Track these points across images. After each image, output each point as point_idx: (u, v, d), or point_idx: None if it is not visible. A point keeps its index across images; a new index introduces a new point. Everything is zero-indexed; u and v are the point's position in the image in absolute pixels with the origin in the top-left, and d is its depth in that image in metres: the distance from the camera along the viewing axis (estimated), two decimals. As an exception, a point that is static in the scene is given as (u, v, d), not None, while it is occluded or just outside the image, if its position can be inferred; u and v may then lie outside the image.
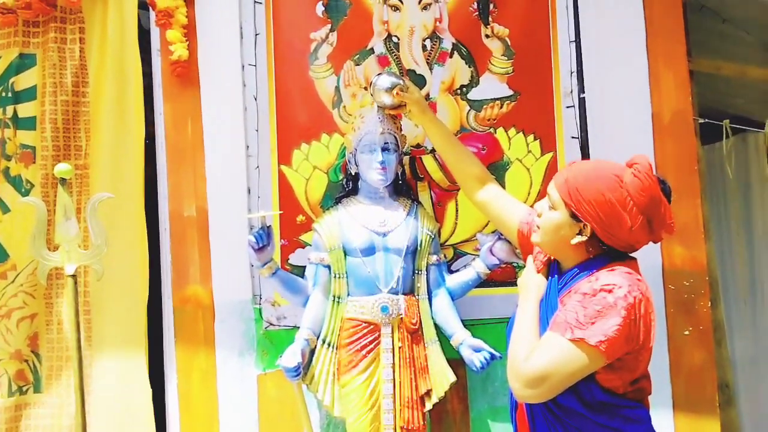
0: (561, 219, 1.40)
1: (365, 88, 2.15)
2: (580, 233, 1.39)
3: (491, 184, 1.85)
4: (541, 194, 2.17)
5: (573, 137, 2.19)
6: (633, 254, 1.43)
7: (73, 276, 1.78)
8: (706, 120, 2.46)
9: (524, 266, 2.11)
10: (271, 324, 2.15)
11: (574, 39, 2.19)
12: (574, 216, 1.38)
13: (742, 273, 3.18)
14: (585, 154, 2.18)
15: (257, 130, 2.17)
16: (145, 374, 2.14)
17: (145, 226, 2.18)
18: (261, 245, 1.88)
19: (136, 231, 2.16)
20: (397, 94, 1.88)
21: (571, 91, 2.19)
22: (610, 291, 1.30)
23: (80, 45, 2.24)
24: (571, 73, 2.19)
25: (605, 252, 1.40)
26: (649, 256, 1.48)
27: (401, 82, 1.92)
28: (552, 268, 1.49)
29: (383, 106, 1.93)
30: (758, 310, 3.36)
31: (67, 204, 1.79)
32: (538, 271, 1.51)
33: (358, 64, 2.18)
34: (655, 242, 1.41)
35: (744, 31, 2.66)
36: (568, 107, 2.20)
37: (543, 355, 1.31)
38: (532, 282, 1.48)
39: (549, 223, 1.43)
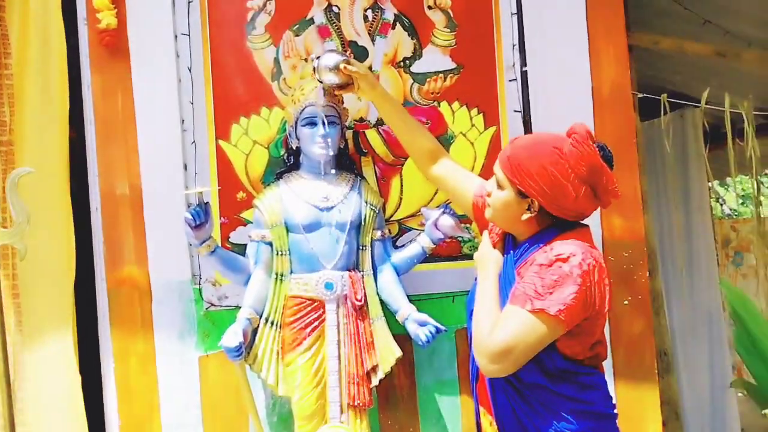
0: (509, 197, 1.43)
1: (305, 60, 2.08)
2: (528, 209, 1.41)
3: (444, 158, 1.80)
4: (485, 168, 2.17)
5: (516, 111, 2.20)
6: (585, 222, 1.46)
7: (-6, 256, 1.68)
8: (645, 95, 2.51)
9: (470, 240, 2.16)
10: (212, 304, 2.09)
11: (515, 12, 2.19)
12: (520, 193, 1.40)
13: (679, 244, 3.29)
14: (527, 127, 2.19)
15: (192, 103, 2.08)
16: (73, 360, 2.05)
17: (70, 204, 2.07)
18: (198, 223, 1.82)
19: (61, 209, 2.05)
20: (344, 68, 1.81)
21: (513, 65, 2.19)
22: (565, 260, 1.34)
23: (0, 14, 2.10)
24: (513, 46, 2.19)
25: (556, 223, 1.43)
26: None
27: (345, 57, 1.86)
28: (507, 241, 1.51)
29: (331, 85, 1.86)
30: (695, 280, 3.50)
31: (-15, 182, 1.69)
32: (494, 245, 1.53)
33: (297, 35, 2.11)
34: (603, 207, 1.45)
35: (681, 5, 2.71)
36: (510, 80, 2.20)
37: (505, 329, 1.32)
38: (489, 257, 1.50)
39: (498, 202, 1.45)
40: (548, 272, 1.33)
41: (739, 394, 3.47)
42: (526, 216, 1.42)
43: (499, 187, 1.44)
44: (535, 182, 1.37)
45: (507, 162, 1.41)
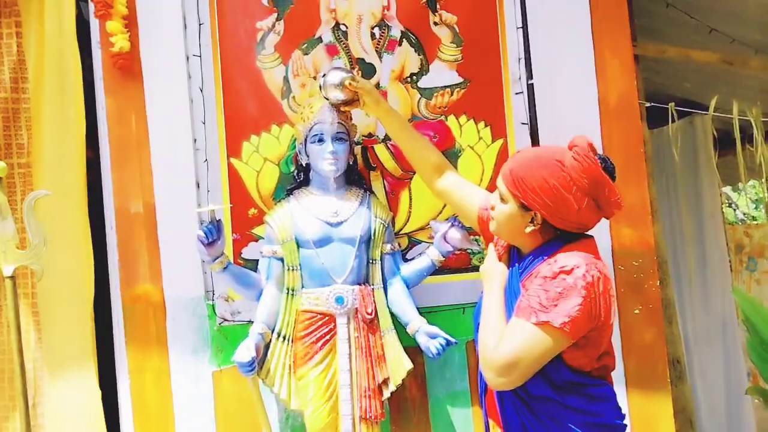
0: (512, 210, 1.43)
1: (314, 78, 2.12)
2: (532, 222, 1.42)
3: (450, 171, 1.82)
4: (493, 180, 2.16)
5: (523, 123, 2.21)
6: (590, 233, 1.46)
7: (12, 277, 1.71)
8: (652, 104, 2.51)
9: (479, 252, 2.17)
10: (226, 320, 2.12)
11: (521, 25, 2.21)
12: (523, 206, 1.41)
13: (691, 251, 3.27)
14: (534, 139, 2.20)
15: (204, 123, 2.12)
16: (94, 376, 2.10)
17: (88, 224, 2.13)
18: (211, 240, 1.85)
19: (79, 229, 2.11)
20: (349, 84, 1.85)
21: (520, 78, 2.21)
22: (569, 272, 1.33)
23: (17, 39, 2.18)
24: (519, 59, 2.21)
25: (559, 235, 1.43)
26: (598, 237, 1.51)
27: (350, 74, 1.90)
28: (512, 254, 1.52)
29: (337, 102, 1.90)
30: (708, 287, 3.47)
31: (1, 203, 1.73)
32: (500, 258, 1.53)
33: (306, 54, 2.15)
34: (607, 218, 1.45)
35: (687, 14, 2.72)
36: (517, 93, 2.21)
37: (511, 342, 1.33)
38: (495, 270, 1.51)
39: (502, 215, 1.46)
40: (552, 284, 1.33)
41: (756, 401, 3.44)
42: (529, 229, 1.42)
43: (502, 200, 1.45)
44: (537, 195, 1.37)
45: (509, 176, 1.42)
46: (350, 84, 1.85)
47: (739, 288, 3.49)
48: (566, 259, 1.37)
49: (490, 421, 1.52)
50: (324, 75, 1.90)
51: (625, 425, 1.46)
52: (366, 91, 1.86)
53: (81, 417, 2.08)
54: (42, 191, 1.78)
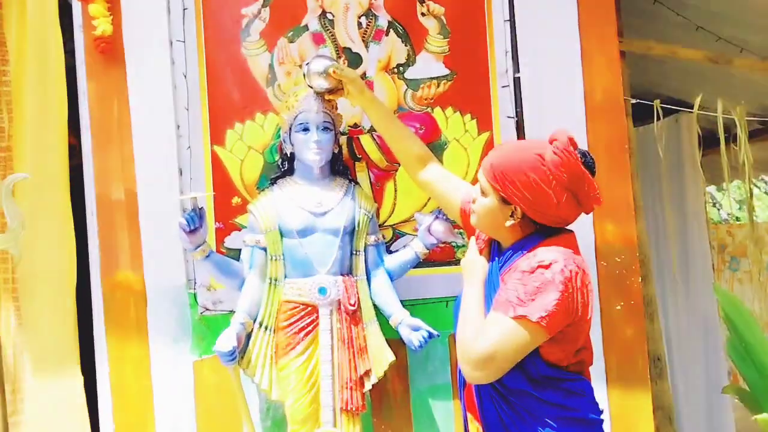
0: (492, 204, 1.44)
1: (300, 66, 2.10)
2: (512, 215, 1.42)
3: (433, 163, 1.83)
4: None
5: (509, 117, 2.21)
6: (571, 227, 1.46)
7: (-12, 261, 1.69)
8: (638, 100, 2.52)
9: (463, 245, 2.16)
10: (207, 309, 2.10)
11: (508, 18, 2.20)
12: (503, 199, 1.41)
13: (674, 250, 3.29)
14: (520, 133, 2.20)
15: (187, 109, 2.10)
16: (76, 362, 2.08)
17: (70, 210, 2.10)
18: (193, 228, 1.83)
19: (61, 215, 2.08)
20: (333, 72, 1.85)
21: (506, 71, 2.20)
22: (547, 267, 1.34)
23: (-2, 21, 2.14)
24: (506, 52, 2.20)
25: (539, 230, 1.43)
26: (581, 233, 1.52)
27: (335, 62, 1.90)
28: (493, 247, 1.52)
29: (320, 90, 1.90)
30: (691, 285, 3.50)
31: (-22, 188, 1.71)
32: (480, 251, 1.53)
33: (292, 42, 2.13)
34: (586, 213, 1.46)
35: (674, 12, 2.73)
36: (503, 87, 2.21)
37: (488, 336, 1.33)
38: (475, 263, 1.51)
39: (482, 209, 1.46)
40: (530, 279, 1.34)
41: (735, 400, 3.47)
42: (509, 223, 1.43)
43: (483, 193, 1.46)
44: (517, 189, 1.38)
45: (490, 169, 1.43)
46: (334, 72, 1.85)
47: (720, 287, 3.52)
48: (545, 253, 1.37)
49: (469, 415, 1.52)
50: (308, 63, 1.89)
51: (602, 420, 1.46)
52: (350, 80, 1.85)
53: (62, 404, 2.06)
54: (20, 174, 1.76)
